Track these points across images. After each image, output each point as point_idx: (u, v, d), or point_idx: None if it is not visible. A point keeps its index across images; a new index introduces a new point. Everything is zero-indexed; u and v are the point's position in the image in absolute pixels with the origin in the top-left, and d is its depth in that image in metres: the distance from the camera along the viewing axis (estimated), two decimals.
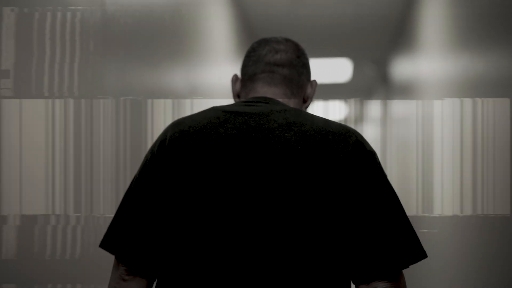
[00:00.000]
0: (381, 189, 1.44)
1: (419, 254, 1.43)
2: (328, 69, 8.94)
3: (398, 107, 7.10)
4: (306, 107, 1.67)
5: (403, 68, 6.67)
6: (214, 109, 1.52)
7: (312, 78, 7.17)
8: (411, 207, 5.90)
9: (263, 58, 1.61)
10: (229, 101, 5.46)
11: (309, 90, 1.65)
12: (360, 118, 14.98)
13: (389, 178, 9.16)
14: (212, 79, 4.75)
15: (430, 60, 4.92)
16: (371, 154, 1.46)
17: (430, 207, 4.81)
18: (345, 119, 15.47)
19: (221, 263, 1.41)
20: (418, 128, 5.48)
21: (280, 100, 1.58)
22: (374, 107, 11.04)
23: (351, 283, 1.49)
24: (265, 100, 1.54)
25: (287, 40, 1.64)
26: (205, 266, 1.42)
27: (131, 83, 2.79)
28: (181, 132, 1.48)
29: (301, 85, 1.63)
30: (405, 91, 6.49)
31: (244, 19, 6.62)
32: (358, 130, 16.55)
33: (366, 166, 1.44)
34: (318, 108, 13.15)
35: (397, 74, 7.28)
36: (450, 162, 4.10)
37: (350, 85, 10.24)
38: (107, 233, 1.50)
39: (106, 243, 1.49)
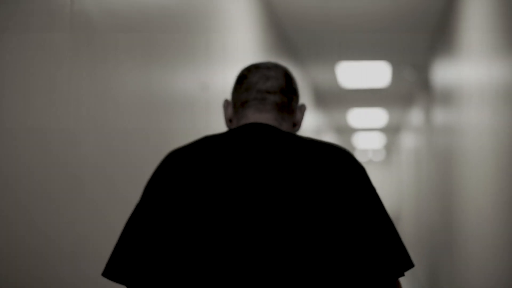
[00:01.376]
0: (373, 204, 1.54)
1: (409, 264, 1.53)
2: (365, 73, 8.56)
3: (440, 114, 6.92)
4: (296, 131, 1.76)
5: (445, 73, 6.48)
6: (207, 138, 1.61)
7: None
8: (450, 218, 5.65)
9: (254, 86, 1.69)
10: None
11: (298, 115, 1.74)
12: (399, 126, 14.54)
13: (431, 188, 8.73)
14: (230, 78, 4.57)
15: (474, 64, 4.71)
16: (361, 169, 1.58)
17: (468, 219, 4.75)
18: (386, 127, 15.03)
19: (223, 282, 1.48)
20: (460, 137, 5.35)
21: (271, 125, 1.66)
22: (415, 115, 10.69)
23: None
24: (258, 126, 1.62)
25: (277, 66, 1.72)
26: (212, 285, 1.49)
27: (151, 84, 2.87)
28: (179, 161, 1.57)
29: (291, 110, 1.71)
30: (447, 97, 6.31)
31: (271, 16, 6.36)
32: (398, 138, 16.09)
33: (357, 182, 1.55)
34: (358, 115, 12.72)
35: (439, 79, 7.04)
36: (493, 172, 3.93)
37: (389, 90, 9.87)
38: (111, 262, 1.54)
39: (113, 273, 1.53)
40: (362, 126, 14.53)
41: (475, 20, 4.64)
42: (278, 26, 6.71)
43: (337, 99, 11.05)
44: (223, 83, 4.27)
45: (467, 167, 4.94)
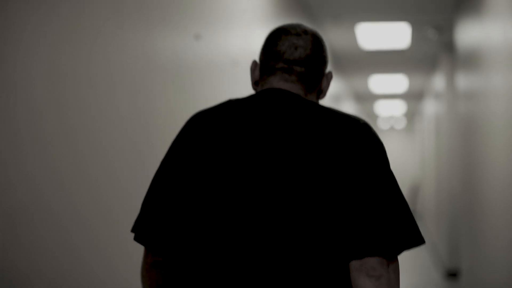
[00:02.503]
0: (385, 178, 1.57)
1: (416, 240, 1.54)
2: (384, 35, 8.24)
3: (464, 79, 6.67)
4: (321, 99, 1.78)
5: (470, 34, 6.20)
6: (230, 102, 1.68)
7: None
8: (475, 185, 5.63)
9: (282, 55, 1.71)
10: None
11: (324, 83, 1.76)
12: (422, 93, 14.23)
13: (454, 157, 8.48)
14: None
15: (502, 24, 4.49)
16: (379, 144, 1.62)
17: (492, 190, 4.70)
18: (407, 93, 14.71)
19: (234, 241, 1.56)
20: (486, 103, 5.15)
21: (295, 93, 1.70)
22: (437, 80, 10.39)
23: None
24: (281, 94, 1.67)
25: (307, 33, 1.73)
26: (221, 247, 1.57)
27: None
28: (202, 123, 1.65)
29: (318, 79, 1.74)
30: (472, 61, 6.04)
31: None
32: (419, 106, 15.78)
33: (373, 156, 1.58)
34: (378, 80, 12.38)
35: (463, 41, 6.75)
36: None
37: (410, 53, 9.55)
38: (137, 225, 1.65)
39: (138, 235, 1.65)
40: (383, 92, 14.21)
41: None
42: None
43: (356, 63, 10.73)
44: (225, 45, 4.01)
45: (492, 134, 4.78)
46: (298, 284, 1.53)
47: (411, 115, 20.01)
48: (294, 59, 1.70)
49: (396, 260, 1.54)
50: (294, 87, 1.70)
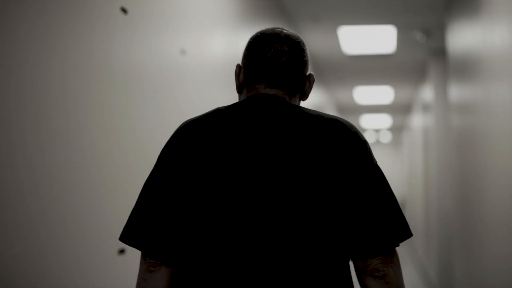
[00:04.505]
0: (373, 175, 1.70)
1: (407, 233, 1.70)
2: (368, 39, 7.83)
3: (458, 89, 6.21)
4: (304, 100, 1.87)
5: (463, 37, 5.67)
6: (218, 110, 1.77)
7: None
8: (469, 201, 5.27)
9: (265, 60, 1.80)
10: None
11: (307, 85, 1.87)
12: (409, 105, 13.70)
13: (445, 173, 8.25)
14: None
15: (499, 26, 4.12)
16: (363, 142, 1.74)
17: (491, 208, 4.40)
18: (393, 105, 14.21)
19: (234, 243, 1.65)
20: (482, 115, 4.79)
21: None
22: (427, 90, 9.86)
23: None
24: (267, 99, 1.77)
25: (289, 37, 1.82)
26: (221, 249, 1.66)
27: None
28: (192, 131, 1.73)
29: (301, 84, 1.84)
30: (467, 68, 5.55)
31: None
32: (406, 119, 15.32)
33: (359, 154, 1.70)
34: (363, 91, 11.85)
35: (455, 45, 6.23)
36: None
37: (395, 58, 9.07)
38: (127, 228, 1.72)
39: (129, 238, 1.71)
40: (368, 103, 13.75)
41: None
42: None
43: (339, 70, 10.20)
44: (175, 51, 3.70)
45: (492, 150, 4.42)
46: (299, 281, 1.63)
47: (399, 129, 19.59)
48: (278, 65, 1.79)
49: (395, 254, 1.69)
50: (279, 92, 1.79)
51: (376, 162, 1.73)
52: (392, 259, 1.67)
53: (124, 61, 2.84)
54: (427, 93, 9.63)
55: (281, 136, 1.67)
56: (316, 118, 1.72)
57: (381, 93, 12.11)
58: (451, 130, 6.60)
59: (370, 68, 9.86)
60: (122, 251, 2.77)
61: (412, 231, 14.85)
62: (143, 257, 1.71)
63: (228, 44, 4.72)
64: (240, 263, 1.62)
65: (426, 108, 10.11)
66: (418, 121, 12.28)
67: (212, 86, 4.24)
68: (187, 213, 1.66)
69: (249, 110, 1.73)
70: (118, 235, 2.04)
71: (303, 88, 1.84)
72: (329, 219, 1.63)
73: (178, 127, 1.77)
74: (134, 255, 2.64)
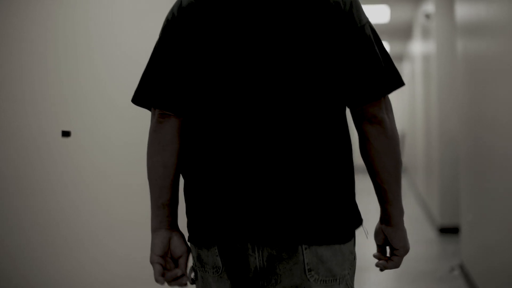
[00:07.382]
0: (366, 26, 1.77)
1: (399, 81, 1.78)
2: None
3: (465, 8, 5.55)
4: None
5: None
6: None
7: None
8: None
9: None
10: None
11: None
12: (408, 31, 12.94)
13: (450, 103, 7.96)
14: None
15: None
16: (357, 4, 1.79)
17: (507, 139, 4.09)
18: (389, 26, 13.43)
19: (235, 91, 1.74)
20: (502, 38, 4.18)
21: None
22: (428, 8, 9.04)
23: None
24: None
25: None
26: (222, 98, 1.75)
27: None
28: (192, 7, 1.81)
29: None
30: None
31: None
32: (406, 46, 14.57)
33: (350, 8, 1.76)
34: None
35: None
36: None
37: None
38: (138, 90, 1.85)
39: (139, 98, 1.84)
40: None
41: None
42: None
43: None
44: None
45: (506, 74, 3.94)
46: (296, 125, 1.72)
47: (398, 58, 18.81)
48: None
49: (389, 101, 1.78)
50: None
51: (366, 17, 1.80)
52: (387, 106, 1.77)
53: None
54: (429, 10, 8.78)
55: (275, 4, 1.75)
56: None
57: (377, 13, 11.31)
58: (457, 55, 5.95)
59: None
60: None
61: (412, 166, 14.32)
62: (153, 112, 1.83)
63: None
64: (239, 109, 1.73)
65: (426, 32, 9.31)
66: (418, 48, 11.51)
67: None
68: (191, 68, 1.77)
69: None
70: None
71: None
72: (324, 65, 1.72)
73: (177, 5, 1.85)
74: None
